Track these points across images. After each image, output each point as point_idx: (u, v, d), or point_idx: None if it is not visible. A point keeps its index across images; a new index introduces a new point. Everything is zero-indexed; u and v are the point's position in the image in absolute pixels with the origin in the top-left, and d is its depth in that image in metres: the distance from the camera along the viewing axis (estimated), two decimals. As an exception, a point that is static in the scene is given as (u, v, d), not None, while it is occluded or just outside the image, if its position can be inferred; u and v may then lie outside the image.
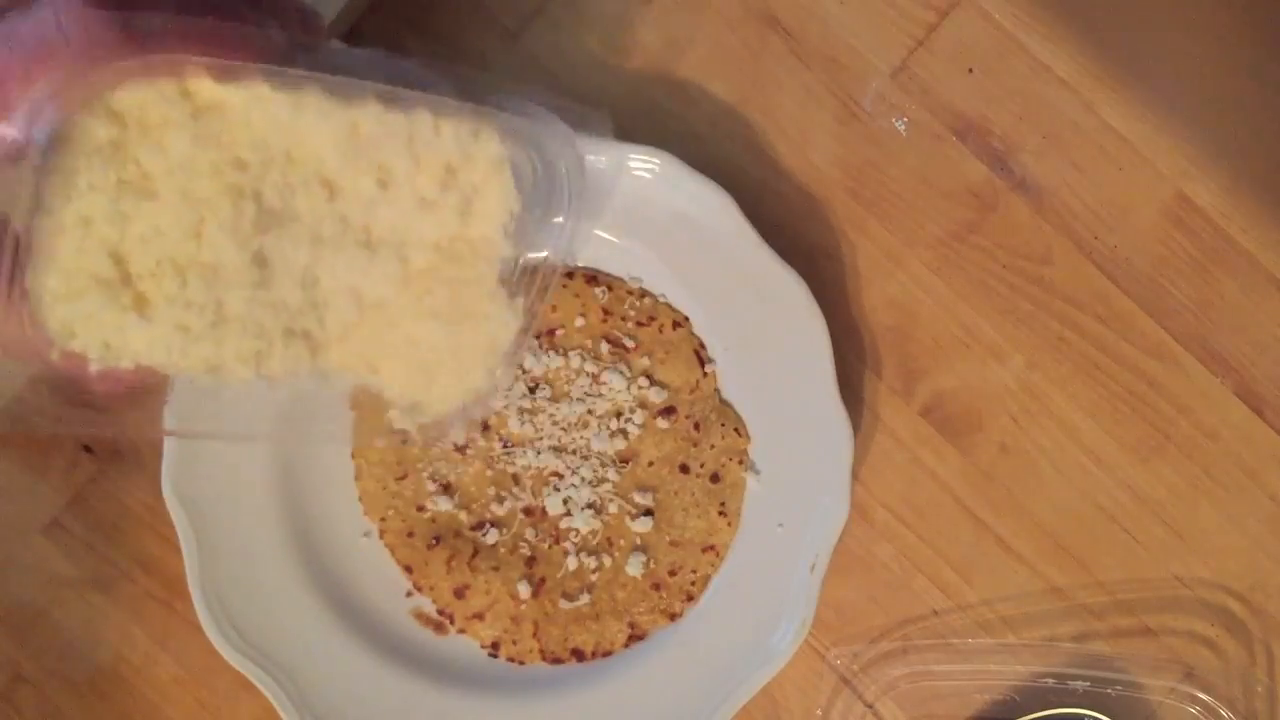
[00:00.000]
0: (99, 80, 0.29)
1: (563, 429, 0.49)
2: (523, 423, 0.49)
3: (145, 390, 0.34)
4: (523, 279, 0.37)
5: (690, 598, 0.49)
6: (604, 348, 0.49)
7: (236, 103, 0.30)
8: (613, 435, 0.49)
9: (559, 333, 0.49)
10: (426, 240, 0.34)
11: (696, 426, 0.49)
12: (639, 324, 0.49)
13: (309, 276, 0.33)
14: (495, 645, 0.49)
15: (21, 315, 0.30)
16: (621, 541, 0.49)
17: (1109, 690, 0.49)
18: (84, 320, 0.31)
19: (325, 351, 0.34)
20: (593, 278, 0.49)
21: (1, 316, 0.30)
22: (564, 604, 0.49)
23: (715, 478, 0.49)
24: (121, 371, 0.32)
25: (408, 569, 0.49)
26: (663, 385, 0.49)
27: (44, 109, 0.28)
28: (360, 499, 0.49)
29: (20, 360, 0.32)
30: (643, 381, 0.49)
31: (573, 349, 0.49)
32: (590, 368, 0.49)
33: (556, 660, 0.49)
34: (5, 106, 0.27)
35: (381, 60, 0.35)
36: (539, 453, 0.49)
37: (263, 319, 0.33)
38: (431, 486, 0.49)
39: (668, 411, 0.49)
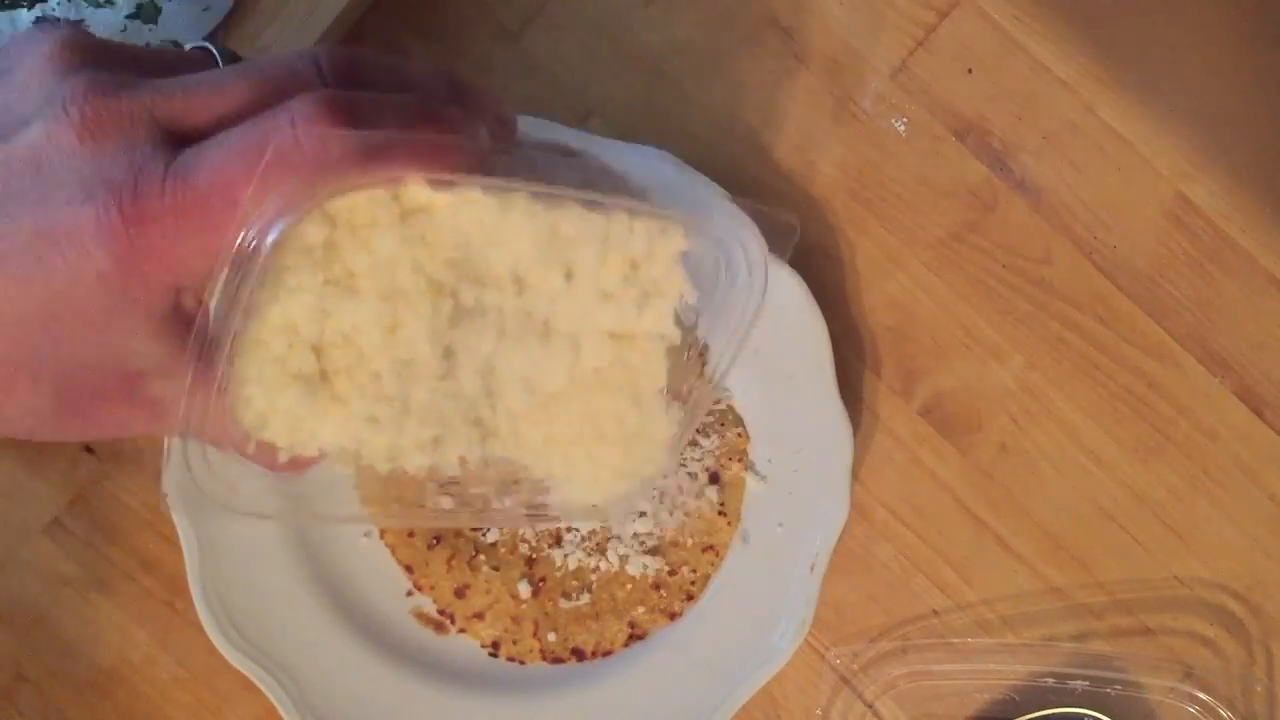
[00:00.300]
0: (328, 192, 0.29)
1: (563, 429, 0.49)
2: (523, 423, 0.49)
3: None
4: (691, 370, 0.37)
5: (690, 597, 0.49)
6: (604, 348, 0.49)
7: (445, 206, 0.31)
8: (613, 435, 0.49)
9: (559, 333, 0.49)
10: (602, 331, 0.34)
11: (696, 426, 0.49)
12: (639, 324, 0.49)
13: (487, 366, 0.34)
14: (495, 645, 0.49)
15: (224, 408, 0.31)
16: (621, 541, 0.49)
17: (1108, 690, 0.49)
18: (279, 413, 0.32)
19: (495, 437, 0.35)
20: (593, 278, 0.49)
21: (211, 410, 0.31)
22: (564, 603, 0.49)
23: (715, 478, 0.49)
24: (307, 459, 0.33)
25: (408, 568, 0.49)
26: (663, 385, 0.49)
27: (275, 218, 0.28)
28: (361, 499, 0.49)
29: (218, 449, 0.32)
30: (643, 381, 0.49)
31: (573, 349, 0.49)
32: (590, 368, 0.49)
33: (556, 660, 0.49)
34: (238, 213, 0.28)
35: (565, 154, 0.37)
36: (539, 453, 0.49)
37: (444, 408, 0.33)
38: (432, 486, 0.49)
39: (668, 411, 0.49)
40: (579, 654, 0.49)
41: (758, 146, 0.51)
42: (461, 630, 0.49)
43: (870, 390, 0.51)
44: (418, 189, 0.30)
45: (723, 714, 0.47)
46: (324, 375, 0.32)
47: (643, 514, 0.49)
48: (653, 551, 0.49)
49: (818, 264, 0.50)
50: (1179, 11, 0.51)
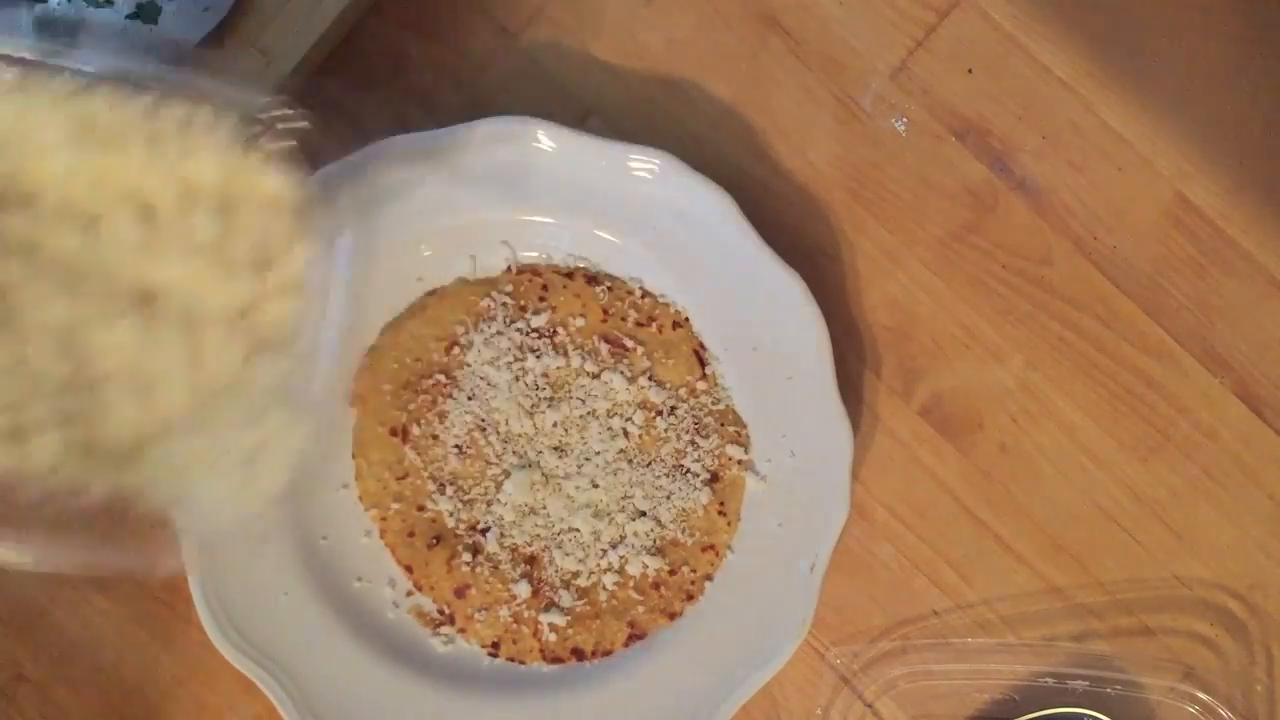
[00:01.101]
0: None
1: (563, 429, 0.49)
2: (523, 422, 0.49)
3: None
4: (303, 370, 0.33)
5: (690, 597, 0.49)
6: (604, 348, 0.49)
7: None
8: (613, 435, 0.49)
9: (559, 333, 0.49)
10: (217, 310, 0.29)
11: (697, 426, 0.49)
12: (639, 324, 0.49)
13: (68, 337, 0.27)
14: (495, 645, 0.49)
15: None
16: (621, 541, 0.49)
17: (1108, 690, 0.49)
18: None
19: (103, 450, 0.29)
20: (593, 278, 0.49)
21: None
22: (564, 603, 0.49)
23: (715, 478, 0.49)
24: None
25: (408, 569, 0.49)
26: (662, 385, 0.49)
27: None
28: (361, 498, 0.49)
29: None
30: (643, 381, 0.49)
31: (573, 349, 0.49)
32: (590, 367, 0.49)
33: (556, 660, 0.49)
34: None
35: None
36: (539, 452, 0.49)
37: (12, 381, 0.27)
38: (432, 486, 0.49)
39: (668, 411, 0.49)
40: (579, 654, 0.49)
41: (758, 146, 0.51)
42: (461, 630, 0.49)
43: (870, 390, 0.51)
44: None
45: (723, 714, 0.47)
46: None
47: (643, 514, 0.49)
48: (653, 551, 0.49)
49: (818, 264, 0.50)
50: (1179, 13, 0.51)
